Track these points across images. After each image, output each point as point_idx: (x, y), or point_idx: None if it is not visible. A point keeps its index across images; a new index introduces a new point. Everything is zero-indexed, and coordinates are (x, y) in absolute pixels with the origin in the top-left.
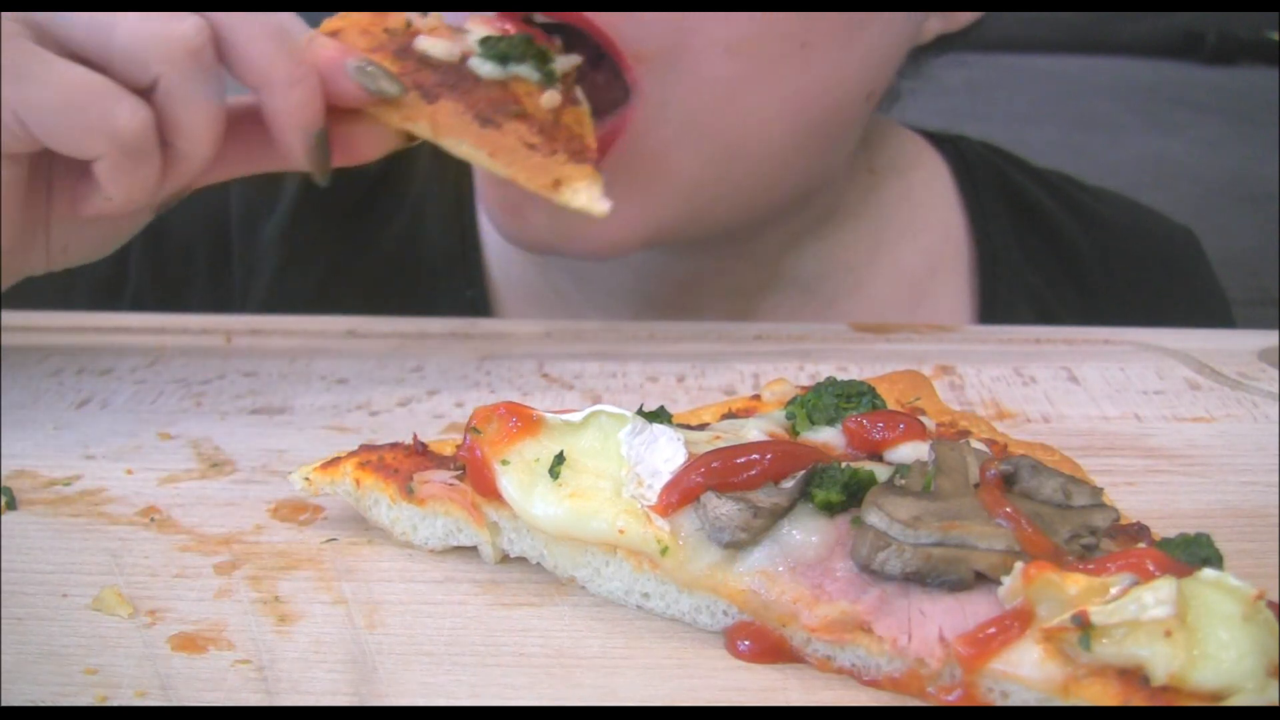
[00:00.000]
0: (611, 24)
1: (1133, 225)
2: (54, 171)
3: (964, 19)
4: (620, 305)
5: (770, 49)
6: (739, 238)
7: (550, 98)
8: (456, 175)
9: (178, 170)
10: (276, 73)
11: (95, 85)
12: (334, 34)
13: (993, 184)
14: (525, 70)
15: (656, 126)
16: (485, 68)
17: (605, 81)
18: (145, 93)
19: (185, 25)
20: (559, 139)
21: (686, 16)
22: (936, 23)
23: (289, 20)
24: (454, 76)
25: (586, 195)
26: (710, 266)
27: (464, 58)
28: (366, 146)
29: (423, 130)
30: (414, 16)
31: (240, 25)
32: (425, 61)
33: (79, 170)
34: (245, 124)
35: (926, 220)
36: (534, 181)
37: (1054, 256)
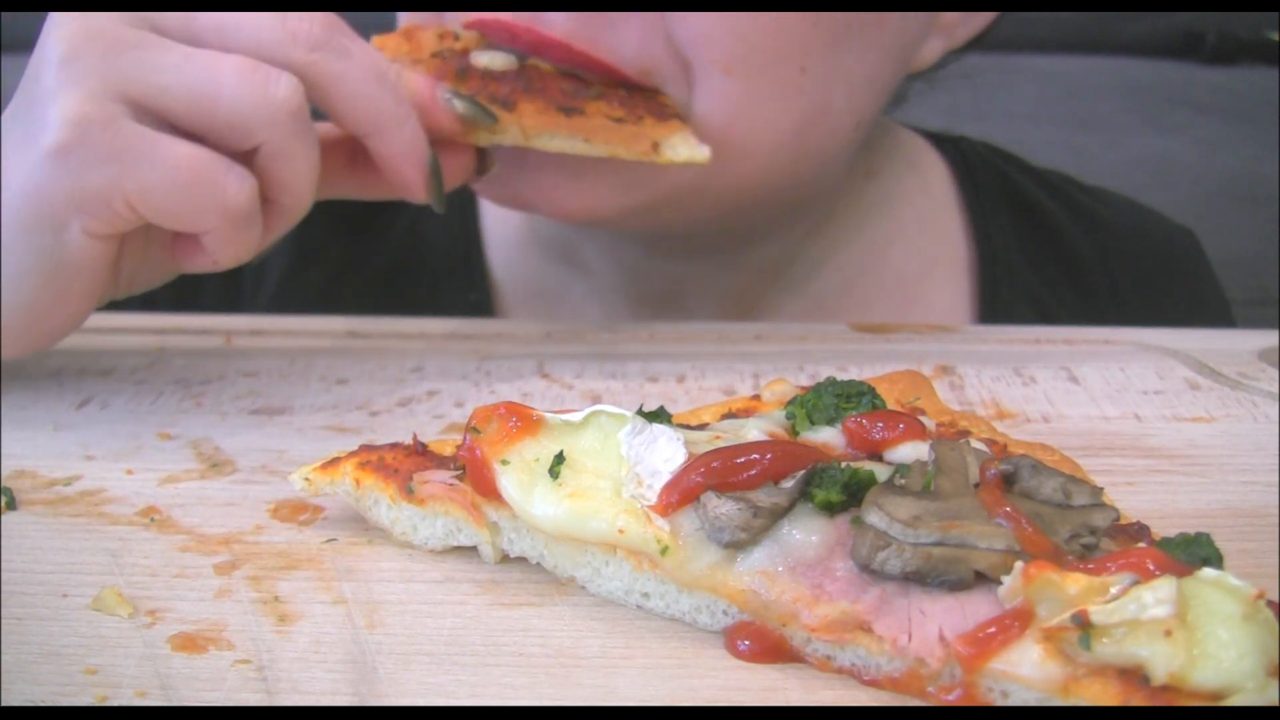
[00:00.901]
0: (609, 49)
1: (1133, 226)
2: (153, 236)
3: (970, 30)
4: (622, 307)
5: (770, 72)
6: (738, 241)
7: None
8: None
9: (280, 223)
10: (385, 118)
11: (203, 162)
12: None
13: (993, 184)
14: None
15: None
16: (545, 64)
17: None
18: (247, 155)
19: (285, 89)
20: (639, 105)
21: (687, 33)
22: (938, 43)
23: (379, 58)
24: (522, 80)
25: (686, 148)
26: (710, 269)
27: (524, 60)
28: (455, 171)
29: (514, 137)
30: (435, 34)
31: (341, 74)
32: (490, 75)
33: (180, 234)
34: (338, 151)
35: (926, 221)
36: (634, 151)
37: (1054, 257)
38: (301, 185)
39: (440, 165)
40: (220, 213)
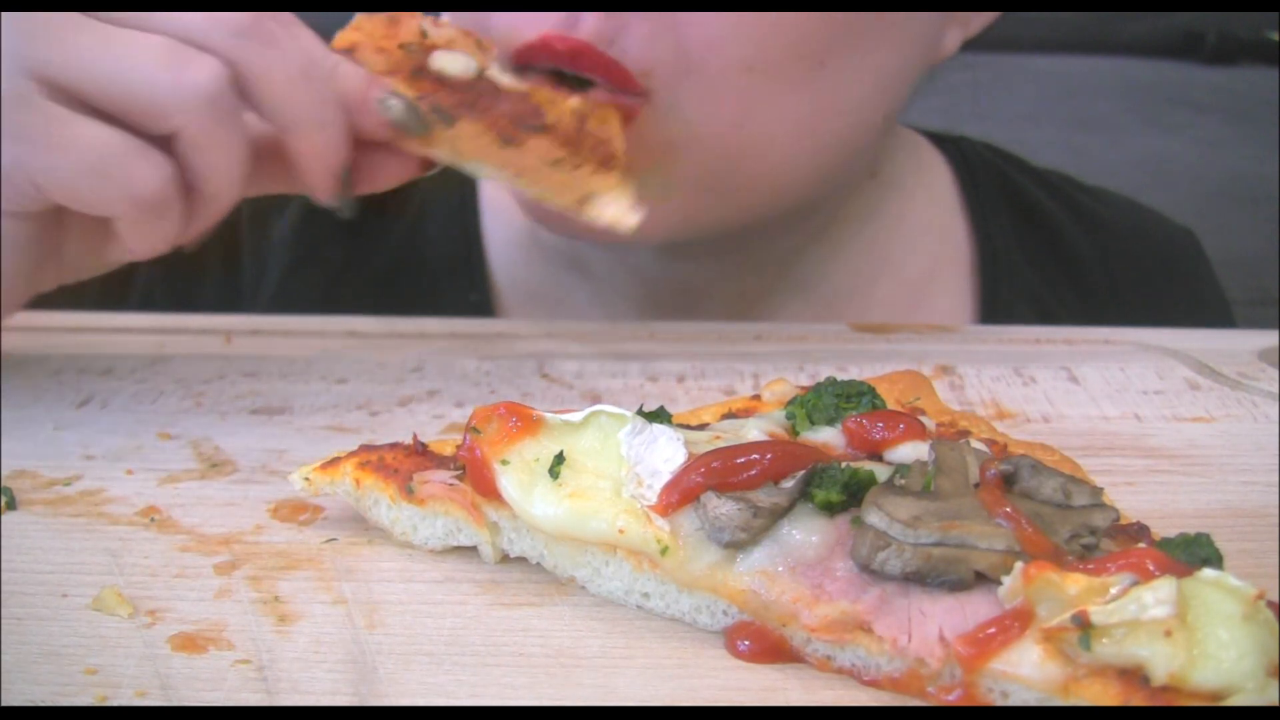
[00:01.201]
0: (620, 49)
1: (1133, 226)
2: (70, 219)
3: (983, 20)
4: (626, 309)
5: (788, 69)
6: (744, 243)
7: (574, 102)
8: (460, 179)
9: (202, 214)
10: (303, 115)
11: (114, 145)
12: (349, 50)
13: (993, 185)
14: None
15: (663, 126)
16: (506, 78)
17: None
18: (166, 140)
19: (203, 74)
20: (585, 147)
21: (696, 30)
22: (957, 33)
23: (315, 50)
24: (473, 94)
25: (614, 210)
26: (715, 272)
27: (482, 70)
28: (388, 174)
29: (444, 156)
30: (429, 24)
31: (265, 66)
32: (443, 80)
33: (97, 219)
34: (268, 149)
35: (928, 222)
36: (561, 199)
37: (1054, 258)
38: (222, 174)
39: (352, 172)
40: (128, 199)
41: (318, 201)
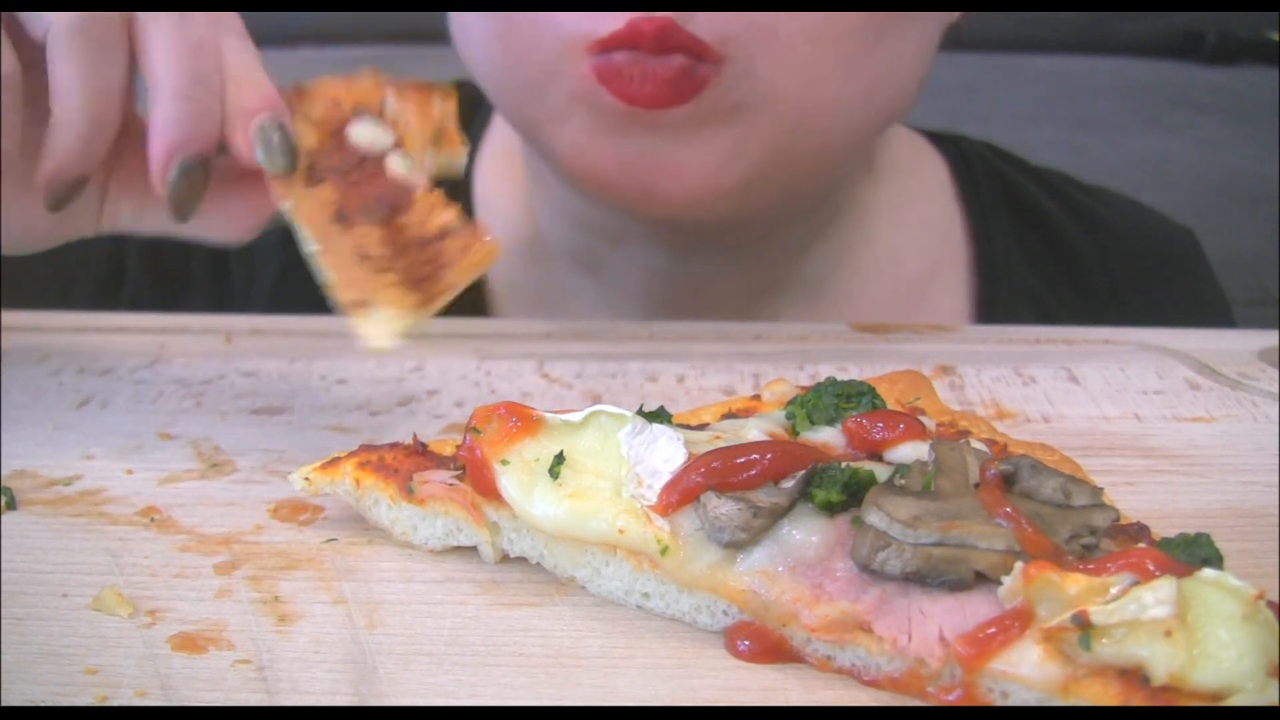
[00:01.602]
0: (694, 21)
1: (1133, 226)
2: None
3: None
4: (633, 309)
5: (850, 40)
6: (751, 240)
7: (449, 216)
8: (457, 181)
9: (51, 138)
10: (169, 79)
11: None
12: (299, 93)
13: (992, 184)
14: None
15: (736, 88)
16: (406, 169)
17: None
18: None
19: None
20: (410, 259)
21: (763, 15)
22: None
23: (213, 36)
24: (357, 167)
25: (377, 327)
26: (719, 270)
27: (385, 151)
28: (242, 214)
29: (285, 206)
30: (390, 95)
31: (162, 26)
32: (345, 145)
33: None
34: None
35: (926, 220)
36: (342, 294)
37: (1053, 257)
38: (74, 99)
39: (201, 181)
40: None
41: (156, 192)
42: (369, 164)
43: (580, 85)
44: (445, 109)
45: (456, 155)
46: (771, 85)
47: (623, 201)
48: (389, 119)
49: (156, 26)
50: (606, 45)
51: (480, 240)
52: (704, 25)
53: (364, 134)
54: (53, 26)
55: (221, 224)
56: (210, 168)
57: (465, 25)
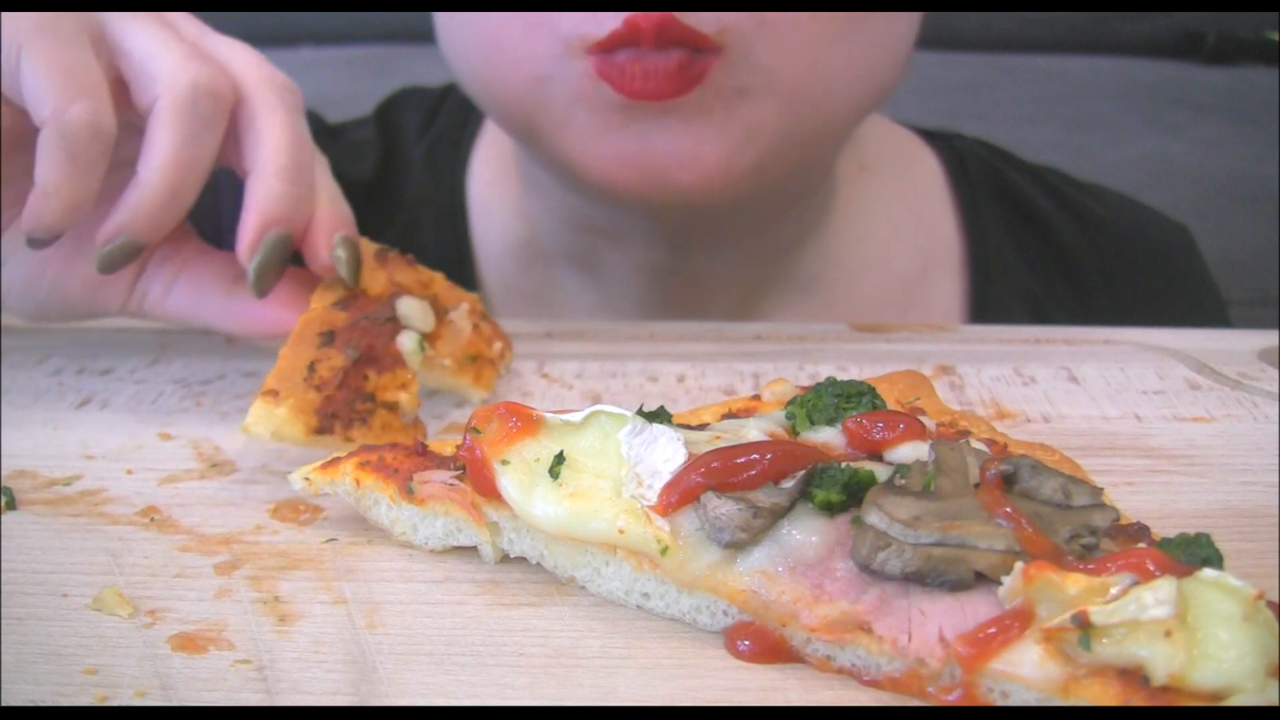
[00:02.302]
0: (696, 16)
1: (1126, 222)
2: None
3: None
4: (630, 307)
5: (846, 13)
6: (745, 235)
7: (408, 388)
8: (451, 181)
9: (131, 193)
10: (279, 158)
11: (79, 68)
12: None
13: (985, 180)
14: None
15: (737, 74)
16: (408, 343)
17: None
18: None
19: (207, 71)
20: (342, 400)
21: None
22: None
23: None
24: (377, 320)
25: (264, 421)
26: (711, 265)
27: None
28: (269, 313)
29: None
30: (472, 314)
31: (266, 107)
32: (386, 302)
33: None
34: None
35: (919, 217)
36: (270, 378)
37: (1047, 253)
38: (160, 156)
39: (282, 252)
40: (57, 117)
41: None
42: (388, 327)
43: (581, 85)
44: (496, 361)
45: (470, 392)
46: (772, 67)
47: (637, 196)
48: (450, 327)
49: (271, 109)
50: (606, 45)
51: (402, 380)
52: (701, 17)
53: (410, 307)
54: (164, 95)
55: (249, 320)
56: (291, 249)
57: (454, 37)
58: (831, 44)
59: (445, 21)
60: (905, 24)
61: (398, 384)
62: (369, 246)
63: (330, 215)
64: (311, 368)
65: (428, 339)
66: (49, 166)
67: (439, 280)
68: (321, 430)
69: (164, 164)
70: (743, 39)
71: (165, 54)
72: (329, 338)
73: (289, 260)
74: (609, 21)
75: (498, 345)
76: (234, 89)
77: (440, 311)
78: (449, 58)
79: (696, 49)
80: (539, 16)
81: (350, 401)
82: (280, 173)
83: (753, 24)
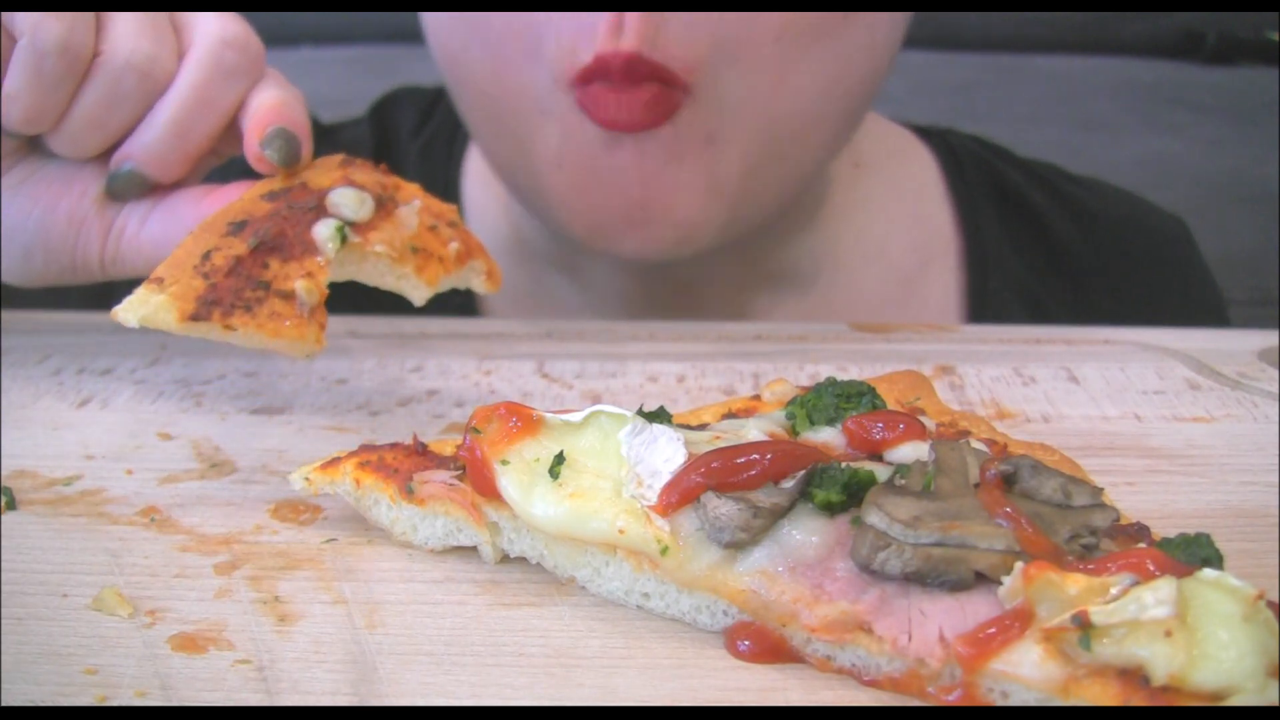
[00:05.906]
0: (661, 49)
1: (1122, 215)
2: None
3: None
4: (616, 307)
5: (815, 26)
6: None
7: (304, 290)
8: (444, 179)
9: (149, 121)
10: (277, 91)
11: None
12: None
13: (980, 176)
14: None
15: (706, 119)
16: (323, 230)
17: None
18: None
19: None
20: (232, 287)
21: (727, 20)
22: None
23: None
24: (301, 207)
25: (139, 306)
26: (704, 265)
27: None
28: (183, 202)
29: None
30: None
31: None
32: (315, 190)
33: None
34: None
35: (914, 213)
36: (161, 266)
37: (1043, 248)
38: (176, 93)
39: (295, 142)
40: (31, 30)
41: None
42: (309, 216)
43: (568, 120)
44: (449, 260)
45: (410, 286)
46: (739, 112)
47: (615, 251)
48: (394, 219)
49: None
50: (583, 78)
51: (308, 343)
52: (670, 53)
53: (344, 196)
54: (196, 44)
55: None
56: (299, 138)
57: (454, 61)
58: (795, 61)
59: (440, 53)
60: (882, 46)
61: (303, 272)
62: (334, 156)
63: (269, 107)
64: (207, 255)
65: (360, 229)
66: (14, 74)
67: (413, 188)
68: (197, 317)
69: (176, 101)
70: (712, 78)
71: (207, 13)
72: (239, 226)
73: (299, 140)
74: (581, 54)
75: (454, 245)
76: (261, 50)
77: (390, 205)
78: (451, 86)
79: (666, 83)
80: (532, 47)
81: (239, 290)
82: (277, 83)
83: (721, 59)
